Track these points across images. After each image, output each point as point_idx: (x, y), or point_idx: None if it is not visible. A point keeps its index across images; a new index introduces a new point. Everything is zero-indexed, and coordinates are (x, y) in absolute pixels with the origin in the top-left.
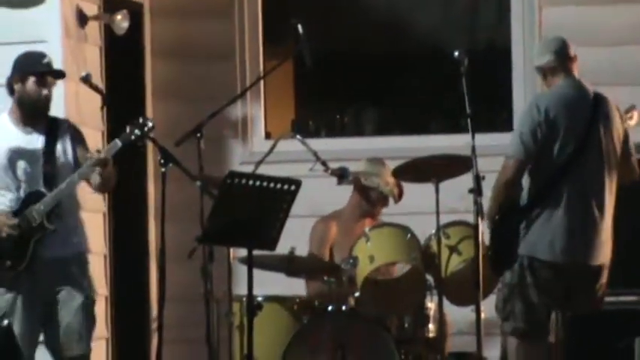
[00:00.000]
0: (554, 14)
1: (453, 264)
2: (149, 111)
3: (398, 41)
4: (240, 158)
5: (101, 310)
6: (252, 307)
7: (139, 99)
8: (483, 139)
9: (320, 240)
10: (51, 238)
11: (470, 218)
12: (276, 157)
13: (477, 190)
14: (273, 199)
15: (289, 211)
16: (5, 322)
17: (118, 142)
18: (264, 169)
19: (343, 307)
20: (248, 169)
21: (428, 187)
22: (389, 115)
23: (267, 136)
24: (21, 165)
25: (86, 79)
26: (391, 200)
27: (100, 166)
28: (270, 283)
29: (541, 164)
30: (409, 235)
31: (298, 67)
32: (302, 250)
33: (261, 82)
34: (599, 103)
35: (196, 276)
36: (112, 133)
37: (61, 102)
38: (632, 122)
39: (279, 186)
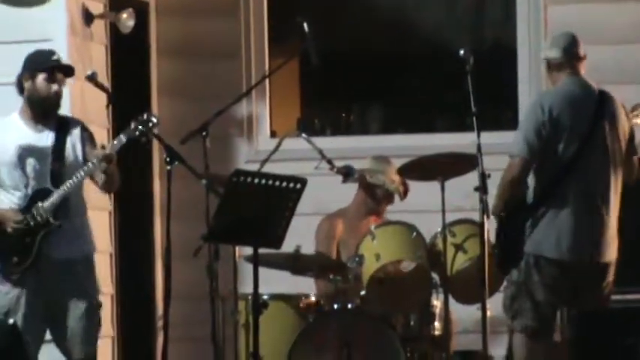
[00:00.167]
0: (559, 13)
1: (459, 262)
2: (155, 109)
3: (404, 40)
4: (246, 156)
5: (107, 308)
6: (258, 305)
7: (144, 97)
8: (489, 138)
9: (326, 238)
10: (58, 238)
11: (475, 216)
12: (281, 155)
13: (482, 188)
14: (278, 198)
15: (295, 210)
16: (11, 320)
17: (122, 138)
18: (269, 168)
19: (349, 305)
20: (254, 167)
21: (434, 186)
22: (394, 113)
23: (273, 134)
24: (30, 162)
25: (92, 78)
26: (397, 198)
27: (105, 162)
28: (276, 282)
29: (546, 163)
30: (415, 234)
31: (304, 65)
32: (307, 249)
33: (267, 80)
34: (604, 101)
35: (202, 274)
36: (117, 131)
37: (66, 100)
38: (639, 120)
39: (284, 184)
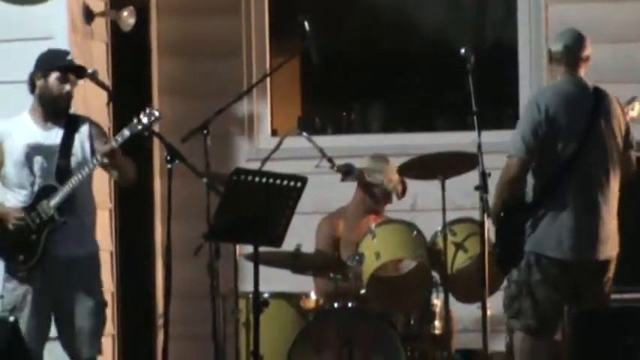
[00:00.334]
0: (560, 11)
1: (459, 261)
2: (155, 107)
3: (404, 39)
4: (247, 155)
5: (108, 306)
6: (259, 303)
7: (145, 96)
8: (489, 137)
9: (326, 238)
10: (64, 236)
11: (476, 215)
12: (282, 154)
13: (483, 187)
14: (279, 196)
15: (295, 208)
16: (12, 318)
17: (126, 132)
18: (270, 166)
19: (349, 304)
20: (254, 165)
21: (434, 184)
22: (395, 112)
23: (274, 133)
24: (38, 160)
25: (92, 76)
26: (396, 197)
27: (108, 157)
28: (277, 280)
29: (544, 162)
30: (415, 232)
31: (305, 64)
32: (308, 247)
33: (268, 79)
34: (599, 99)
35: (202, 273)
36: (118, 129)
37: None
38: (634, 114)
39: (285, 183)
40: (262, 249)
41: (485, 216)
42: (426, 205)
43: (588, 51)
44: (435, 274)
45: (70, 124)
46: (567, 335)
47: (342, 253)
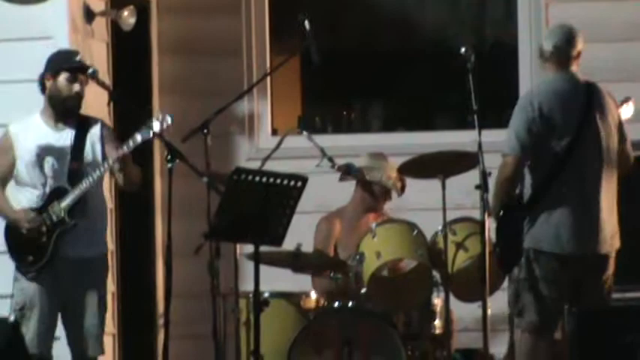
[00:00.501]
0: (560, 11)
1: (460, 260)
2: (156, 107)
3: (405, 37)
4: (247, 154)
5: (108, 305)
6: (259, 303)
7: (145, 95)
8: (490, 136)
9: (325, 238)
10: (74, 237)
11: (476, 214)
12: (282, 153)
13: (483, 186)
14: (279, 195)
15: (296, 207)
16: (11, 318)
17: (137, 138)
18: (270, 165)
19: (350, 303)
20: (254, 165)
21: (434, 184)
22: (395, 111)
23: (274, 132)
24: (49, 161)
25: (93, 75)
26: (396, 195)
27: (120, 162)
28: (277, 280)
29: (540, 159)
30: (416, 232)
31: (305, 63)
32: (308, 247)
33: (268, 78)
34: (592, 93)
35: (203, 272)
36: (118, 129)
37: None
38: (629, 114)
39: (285, 182)
40: (263, 248)
41: (486, 215)
42: (426, 205)
43: (580, 47)
44: (436, 274)
45: (82, 125)
46: (567, 334)
47: (341, 253)
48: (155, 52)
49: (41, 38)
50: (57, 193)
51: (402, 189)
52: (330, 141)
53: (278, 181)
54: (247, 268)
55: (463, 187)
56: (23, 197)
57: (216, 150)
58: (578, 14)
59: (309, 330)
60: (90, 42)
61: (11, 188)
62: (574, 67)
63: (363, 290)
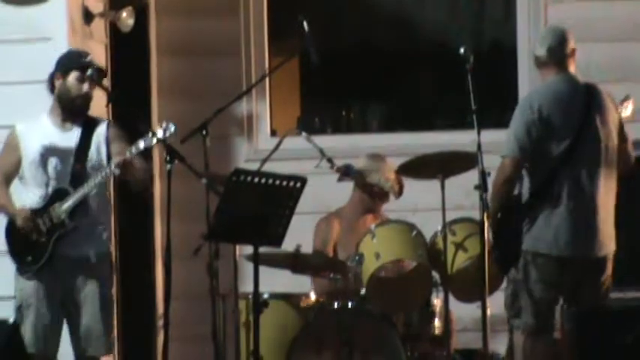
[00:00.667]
0: (559, 11)
1: (459, 261)
2: (154, 108)
3: (404, 38)
4: (246, 155)
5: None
6: (258, 304)
7: (144, 96)
8: (489, 136)
9: (323, 239)
10: (76, 237)
11: (476, 215)
12: (281, 154)
13: (482, 187)
14: (278, 197)
15: (295, 208)
16: (11, 319)
17: (140, 144)
18: (269, 167)
19: (349, 304)
20: (253, 166)
21: (434, 184)
22: (395, 111)
23: (273, 133)
24: (52, 162)
25: (91, 77)
26: (393, 196)
27: (120, 168)
28: (276, 281)
29: (539, 161)
30: (415, 232)
31: (304, 64)
32: (308, 247)
33: (267, 79)
34: (591, 94)
35: (202, 273)
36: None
37: None
38: (628, 113)
39: (284, 183)
40: (262, 249)
41: (485, 215)
42: (425, 205)
43: (572, 44)
44: (435, 274)
45: (88, 125)
46: (567, 334)
47: (340, 254)
48: (154, 53)
49: (40, 39)
50: (59, 195)
51: (400, 191)
52: (329, 142)
53: (277, 182)
54: (247, 269)
55: (462, 187)
56: (27, 197)
57: (215, 151)
58: (576, 14)
59: (309, 331)
60: (89, 43)
61: (17, 187)
62: (572, 68)
63: (363, 291)
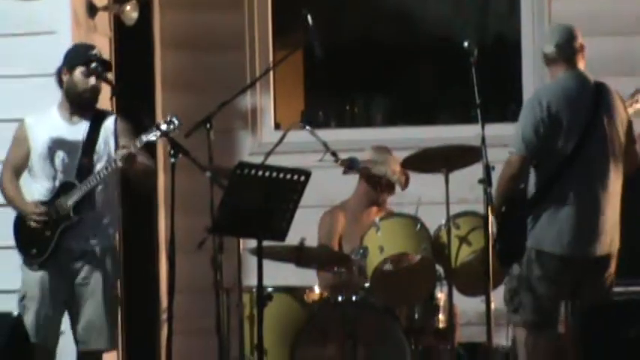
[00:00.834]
0: (563, 5)
1: (463, 254)
2: (158, 102)
3: (408, 32)
4: (250, 149)
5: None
6: (262, 297)
7: (148, 90)
8: (493, 130)
9: (328, 232)
10: (81, 230)
11: (480, 208)
12: (285, 147)
13: (486, 181)
14: (282, 190)
15: (299, 202)
16: (15, 312)
17: (143, 138)
18: (273, 160)
19: (353, 298)
20: (257, 159)
21: (438, 178)
22: (399, 105)
23: (277, 126)
24: (59, 155)
25: (95, 70)
26: (399, 187)
27: (124, 161)
28: (280, 274)
29: (546, 158)
30: (419, 226)
31: (308, 57)
32: (312, 241)
33: (271, 72)
34: (601, 94)
35: (206, 267)
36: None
37: None
38: (639, 105)
39: (288, 176)
40: (266, 243)
41: (489, 209)
42: (429, 199)
43: (580, 40)
44: (439, 268)
45: (96, 119)
46: (571, 328)
47: (344, 247)
48: (158, 46)
49: (44, 33)
50: (65, 188)
51: (406, 183)
52: (333, 135)
53: (281, 175)
54: (251, 262)
55: (466, 181)
56: (35, 189)
57: (219, 144)
58: (580, 8)
59: (313, 324)
60: (92, 37)
61: (27, 179)
62: (581, 65)
63: (367, 284)
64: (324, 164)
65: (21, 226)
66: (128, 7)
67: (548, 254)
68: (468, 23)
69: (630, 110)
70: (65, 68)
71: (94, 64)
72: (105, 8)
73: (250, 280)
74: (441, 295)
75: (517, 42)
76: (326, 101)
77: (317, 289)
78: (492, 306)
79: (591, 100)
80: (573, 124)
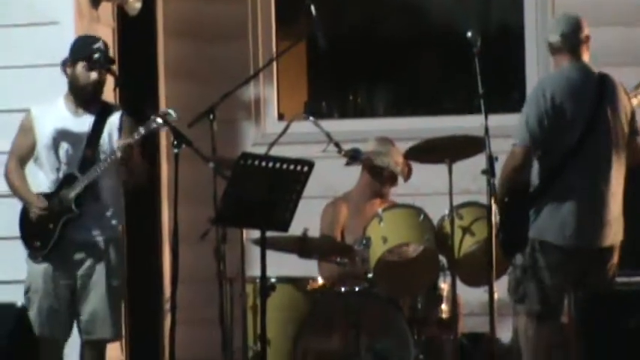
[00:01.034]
0: None
1: (466, 245)
2: (162, 92)
3: (411, 22)
4: (253, 139)
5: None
6: (266, 288)
7: (151, 80)
8: (496, 120)
9: (331, 223)
10: (84, 221)
11: (483, 199)
12: (288, 138)
13: (490, 171)
14: (286, 181)
15: (302, 193)
16: (19, 303)
17: (141, 130)
18: (276, 151)
19: (356, 288)
20: (261, 150)
21: (441, 168)
22: (402, 95)
23: (280, 117)
24: (64, 146)
25: (99, 60)
26: (402, 179)
27: (123, 151)
28: (284, 265)
29: (549, 149)
30: (422, 216)
31: (311, 48)
32: (315, 232)
33: (274, 63)
34: (604, 85)
35: (209, 257)
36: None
37: None
38: None
39: (292, 167)
40: (269, 233)
41: (493, 200)
42: (433, 189)
43: (586, 31)
44: (442, 258)
45: (102, 112)
46: (573, 318)
47: (347, 238)
48: (161, 37)
49: (47, 24)
50: (67, 181)
51: (409, 174)
52: (337, 126)
53: (284, 166)
54: (254, 253)
55: (470, 171)
56: (41, 179)
57: (222, 135)
58: None
59: (316, 315)
60: (96, 27)
61: (32, 169)
62: (586, 56)
63: (370, 275)
64: (328, 155)
65: (25, 219)
66: None
67: (552, 245)
68: (471, 13)
69: (634, 101)
70: (69, 62)
71: (96, 55)
72: None
73: (253, 270)
74: (444, 286)
75: (520, 32)
76: (329, 92)
77: (320, 280)
78: (495, 296)
79: (595, 92)
80: (577, 116)
